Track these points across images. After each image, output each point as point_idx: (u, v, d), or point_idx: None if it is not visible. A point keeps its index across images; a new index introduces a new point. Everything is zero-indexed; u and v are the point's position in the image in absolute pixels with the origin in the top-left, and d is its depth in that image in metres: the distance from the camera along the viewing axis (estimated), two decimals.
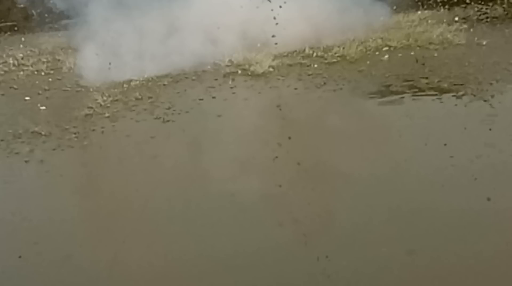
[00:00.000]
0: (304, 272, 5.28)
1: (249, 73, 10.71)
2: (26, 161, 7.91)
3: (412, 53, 10.84)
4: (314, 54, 11.30)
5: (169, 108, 9.41)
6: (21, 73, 11.93)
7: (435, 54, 10.72)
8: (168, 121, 8.96)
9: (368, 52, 11.16)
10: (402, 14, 13.45)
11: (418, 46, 11.24)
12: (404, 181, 6.64)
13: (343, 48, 11.34)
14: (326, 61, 10.98)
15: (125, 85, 10.59)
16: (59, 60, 12.60)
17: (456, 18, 12.82)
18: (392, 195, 6.33)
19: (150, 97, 9.96)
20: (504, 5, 13.64)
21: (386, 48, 11.32)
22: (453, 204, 6.05)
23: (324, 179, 6.96)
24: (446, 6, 13.93)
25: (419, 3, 14.23)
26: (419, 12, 13.80)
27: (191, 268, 5.57)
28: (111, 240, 6.09)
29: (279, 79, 10.24)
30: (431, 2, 14.20)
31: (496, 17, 12.89)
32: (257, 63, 10.87)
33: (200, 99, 9.73)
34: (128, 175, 7.53)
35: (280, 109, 9.13)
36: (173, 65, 11.16)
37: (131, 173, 7.58)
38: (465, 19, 12.81)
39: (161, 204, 6.70)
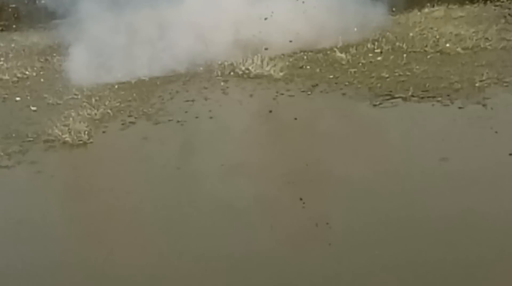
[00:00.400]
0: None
1: (242, 75, 10.69)
2: (18, 162, 7.87)
3: (405, 55, 10.84)
4: (306, 57, 11.29)
5: (160, 110, 9.38)
6: (12, 73, 11.87)
7: (428, 56, 10.73)
8: (159, 122, 8.93)
9: (361, 54, 11.15)
10: (398, 15, 13.47)
11: (412, 48, 11.24)
12: (397, 184, 6.63)
13: (337, 49, 11.33)
14: (319, 63, 10.97)
15: (116, 86, 10.55)
16: (50, 60, 12.55)
17: (452, 19, 12.86)
18: (385, 198, 6.33)
19: (141, 99, 9.93)
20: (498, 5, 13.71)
21: (379, 50, 11.31)
22: (445, 209, 6.04)
23: (316, 181, 6.94)
24: (443, 6, 13.96)
25: (415, 5, 14.23)
26: (412, 13, 13.81)
27: (184, 269, 5.56)
28: (102, 241, 6.06)
29: (271, 80, 10.21)
30: (427, 3, 14.22)
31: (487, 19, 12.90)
32: (249, 64, 10.84)
33: (192, 101, 9.71)
34: (120, 177, 7.51)
35: (272, 111, 9.11)
36: (165, 66, 11.13)
37: (122, 175, 7.55)
38: (459, 20, 12.83)
39: (153, 205, 6.68)
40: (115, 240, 6.07)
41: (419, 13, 13.88)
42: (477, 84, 9.09)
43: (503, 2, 14.32)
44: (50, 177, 7.62)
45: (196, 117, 9.03)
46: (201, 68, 11.23)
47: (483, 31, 11.75)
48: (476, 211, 5.95)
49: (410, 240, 5.61)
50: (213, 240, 5.91)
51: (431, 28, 12.28)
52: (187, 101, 9.71)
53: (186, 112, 9.24)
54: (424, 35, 11.81)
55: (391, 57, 10.91)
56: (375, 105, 8.86)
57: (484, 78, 9.25)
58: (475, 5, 14.24)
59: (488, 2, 14.30)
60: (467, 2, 14.32)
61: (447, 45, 11.15)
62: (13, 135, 8.67)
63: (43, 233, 6.33)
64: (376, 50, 11.28)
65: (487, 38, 11.26)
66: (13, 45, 14.11)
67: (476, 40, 11.19)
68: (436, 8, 14.07)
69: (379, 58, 10.89)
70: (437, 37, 11.58)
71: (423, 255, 5.38)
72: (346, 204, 6.32)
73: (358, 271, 5.28)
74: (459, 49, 10.89)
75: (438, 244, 5.51)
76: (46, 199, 7.11)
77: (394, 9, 13.44)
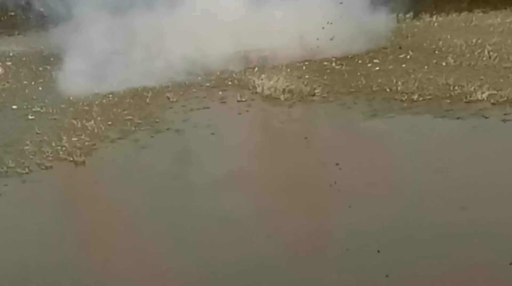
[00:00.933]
0: None
1: (240, 84, 10.70)
2: (15, 171, 7.83)
3: (404, 65, 10.85)
4: (305, 67, 11.31)
5: (159, 119, 9.37)
6: (10, 81, 11.87)
7: (427, 67, 10.74)
8: (158, 131, 8.92)
9: (361, 64, 11.17)
10: (399, 25, 13.52)
11: (411, 57, 11.26)
12: (393, 194, 6.62)
13: (336, 59, 11.36)
14: (318, 73, 10.98)
15: (115, 95, 10.54)
16: (48, 69, 12.54)
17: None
18: (382, 208, 6.31)
19: (140, 108, 9.92)
20: None
21: (377, 60, 11.34)
22: (442, 218, 6.03)
23: (313, 192, 6.93)
24: (444, 16, 14.04)
25: (416, 14, 14.30)
26: (413, 23, 13.87)
27: (180, 278, 5.53)
28: (98, 250, 6.04)
29: (270, 90, 10.20)
30: (429, 13, 14.28)
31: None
32: (248, 74, 10.86)
33: (191, 110, 9.70)
34: (117, 185, 7.49)
35: (270, 121, 9.12)
36: (163, 75, 11.13)
37: (120, 183, 7.54)
38: (461, 29, 12.88)
39: (149, 214, 6.66)
40: (112, 249, 6.05)
41: (418, 23, 13.94)
42: (477, 95, 9.07)
43: (505, 9, 14.40)
44: (48, 186, 7.60)
45: (195, 126, 9.03)
46: (200, 78, 11.23)
47: (485, 40, 11.77)
48: (474, 221, 5.94)
49: (407, 250, 5.59)
50: (210, 248, 5.89)
51: (432, 38, 12.31)
52: (186, 110, 9.71)
53: (184, 121, 9.24)
54: (424, 45, 11.84)
55: (390, 67, 10.92)
56: (373, 115, 8.85)
57: (484, 89, 9.24)
58: (478, 15, 14.30)
59: (491, 11, 14.37)
60: (469, 11, 14.38)
61: (448, 55, 11.17)
62: (10, 144, 8.64)
63: (40, 241, 6.31)
64: (375, 60, 11.30)
65: (488, 48, 11.28)
66: (11, 54, 14.11)
67: (477, 50, 11.21)
68: (437, 18, 14.14)
69: (377, 68, 10.90)
70: (438, 46, 11.60)
71: (421, 265, 5.37)
72: (342, 214, 6.30)
73: (354, 281, 5.26)
74: (459, 59, 10.91)
75: (435, 254, 5.50)
76: (44, 208, 7.09)
77: (395, 17, 13.50)
